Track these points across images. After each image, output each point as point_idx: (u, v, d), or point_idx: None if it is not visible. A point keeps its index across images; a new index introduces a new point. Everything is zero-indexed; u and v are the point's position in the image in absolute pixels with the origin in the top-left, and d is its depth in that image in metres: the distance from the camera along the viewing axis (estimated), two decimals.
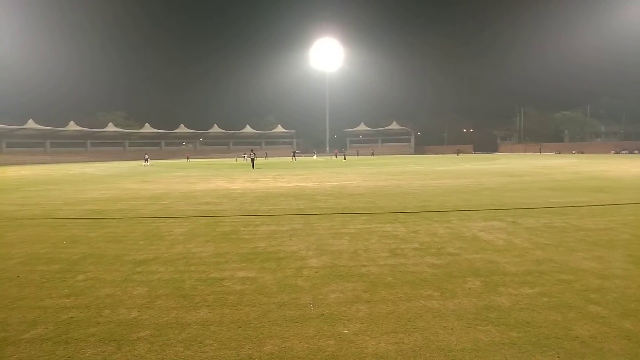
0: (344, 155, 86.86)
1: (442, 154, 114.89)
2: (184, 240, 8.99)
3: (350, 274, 6.38)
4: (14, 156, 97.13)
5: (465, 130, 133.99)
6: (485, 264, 6.80)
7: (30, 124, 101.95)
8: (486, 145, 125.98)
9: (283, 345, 4.20)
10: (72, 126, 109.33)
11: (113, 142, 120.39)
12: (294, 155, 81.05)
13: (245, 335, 4.41)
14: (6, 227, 11.36)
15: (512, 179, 23.08)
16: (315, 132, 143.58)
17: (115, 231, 10.29)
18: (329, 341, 4.27)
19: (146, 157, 64.64)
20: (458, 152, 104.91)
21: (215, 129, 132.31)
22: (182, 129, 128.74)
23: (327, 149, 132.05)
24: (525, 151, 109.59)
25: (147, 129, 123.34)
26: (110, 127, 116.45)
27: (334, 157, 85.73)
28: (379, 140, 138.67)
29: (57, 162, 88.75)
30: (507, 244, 8.11)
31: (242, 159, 71.01)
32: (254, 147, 65.31)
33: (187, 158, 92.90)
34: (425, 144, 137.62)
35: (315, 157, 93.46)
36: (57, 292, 5.95)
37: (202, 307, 5.20)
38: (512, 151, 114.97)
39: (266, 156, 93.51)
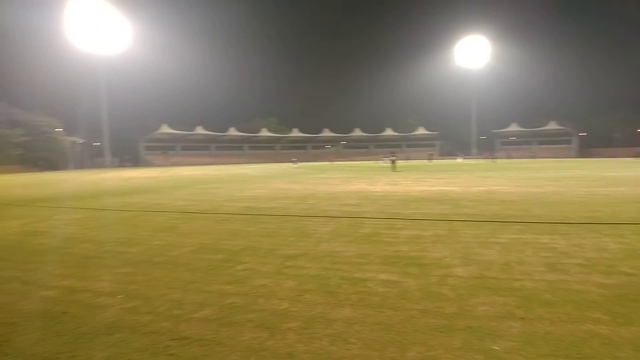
0: (494, 158, 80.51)
1: (614, 157, 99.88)
2: (328, 239, 9.37)
3: (501, 287, 5.94)
4: (186, 158, 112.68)
5: None
6: None
7: (199, 130, 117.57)
8: None
9: (427, 354, 4.10)
10: (232, 132, 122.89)
11: (266, 146, 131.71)
12: (430, 158, 78.34)
13: (389, 338, 4.42)
14: (180, 220, 13.19)
15: None
16: (459, 133, 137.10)
17: (269, 227, 11.20)
18: (477, 356, 4.04)
19: (294, 159, 69.12)
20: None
21: (357, 132, 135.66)
22: (326, 133, 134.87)
23: (473, 151, 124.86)
24: None
25: (296, 133, 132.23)
26: (264, 132, 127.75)
27: (488, 160, 78.69)
28: (533, 142, 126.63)
29: (220, 164, 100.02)
30: None
31: (383, 162, 71.39)
32: (395, 149, 64.82)
33: (331, 161, 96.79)
34: (591, 146, 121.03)
35: (459, 160, 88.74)
36: (221, 279, 6.70)
37: (346, 305, 5.36)
38: None
39: (407, 159, 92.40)
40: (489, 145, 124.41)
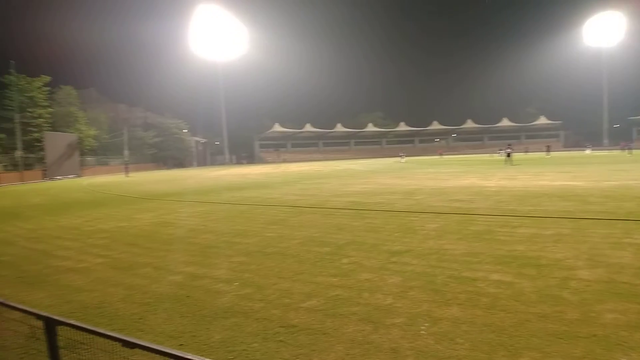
0: (630, 149, 70.08)
1: None
2: (435, 236, 9.10)
3: (635, 294, 5.26)
4: (295, 154, 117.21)
5: None
6: None
7: (308, 127, 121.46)
8: None
9: None
10: (339, 128, 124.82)
11: (372, 141, 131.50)
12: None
13: (500, 341, 4.16)
14: (290, 213, 13.77)
15: None
16: (587, 122, 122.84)
17: (374, 222, 11.20)
18: None
19: (402, 153, 68.08)
20: None
21: (469, 124, 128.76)
22: (435, 126, 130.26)
23: (605, 141, 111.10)
24: None
25: (402, 127, 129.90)
26: (370, 127, 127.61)
27: (624, 151, 67.51)
28: None
29: (327, 159, 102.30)
30: None
31: (498, 155, 67.01)
32: (512, 141, 60.09)
33: (440, 154, 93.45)
34: None
35: (588, 151, 79.54)
36: (327, 271, 6.88)
37: (453, 305, 5.16)
38: None
39: (526, 151, 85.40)
40: (624, 134, 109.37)
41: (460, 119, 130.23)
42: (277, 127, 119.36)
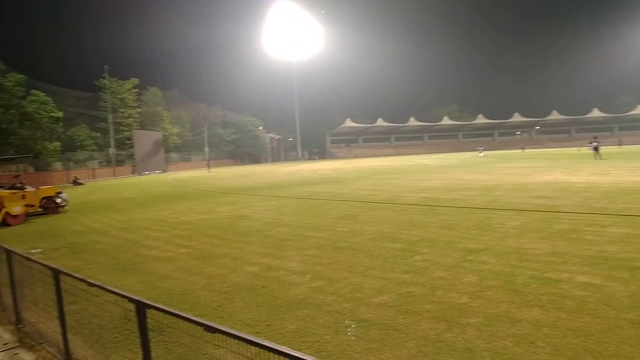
0: None
1: None
2: (516, 234, 8.64)
3: None
4: (367, 149, 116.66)
5: None
6: None
7: (380, 122, 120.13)
8: None
9: None
10: (412, 122, 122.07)
11: (447, 135, 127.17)
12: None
13: (586, 347, 3.88)
14: (361, 208, 13.76)
15: None
16: None
17: (448, 219, 10.87)
18: None
19: (480, 147, 65.25)
20: None
21: (554, 115, 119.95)
22: (516, 118, 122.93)
23: None
24: None
25: (480, 120, 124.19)
26: (445, 121, 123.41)
27: None
28: None
29: (399, 154, 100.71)
30: None
31: (587, 148, 61.94)
32: (604, 134, 55.10)
33: (522, 148, 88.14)
34: None
35: None
36: (399, 267, 6.80)
37: (534, 307, 4.88)
38: None
39: (620, 144, 78.16)
40: None
41: (544, 110, 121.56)
42: (349, 123, 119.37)
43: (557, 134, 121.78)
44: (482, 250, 7.51)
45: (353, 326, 4.67)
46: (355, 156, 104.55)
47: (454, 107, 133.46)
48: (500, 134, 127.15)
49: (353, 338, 4.38)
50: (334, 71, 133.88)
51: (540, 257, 6.91)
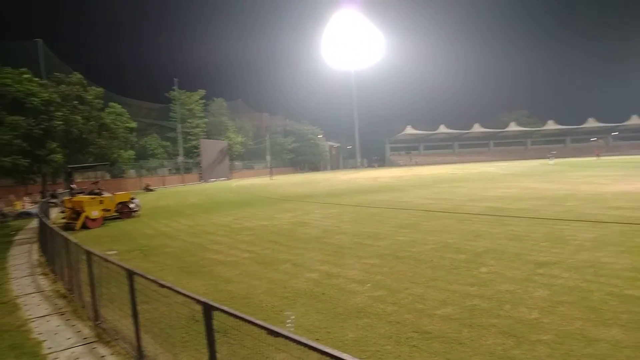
0: None
1: None
2: (591, 247, 8.07)
3: None
4: (428, 157, 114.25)
5: None
6: None
7: (442, 129, 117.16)
8: None
9: None
10: (477, 128, 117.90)
11: (514, 142, 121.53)
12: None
13: None
14: (422, 217, 13.45)
15: None
16: None
17: (516, 230, 10.37)
18: None
19: (550, 155, 61.81)
20: None
21: (634, 120, 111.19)
22: (591, 123, 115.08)
23: None
24: None
25: (550, 125, 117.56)
26: (512, 127, 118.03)
27: None
28: None
29: (463, 162, 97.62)
30: None
31: None
32: None
33: (597, 155, 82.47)
34: None
35: None
36: (463, 279, 6.56)
37: (613, 325, 4.52)
38: None
39: None
40: None
41: (623, 114, 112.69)
42: (409, 130, 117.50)
43: (638, 140, 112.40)
44: (554, 264, 7.09)
45: (415, 338, 4.56)
46: (416, 164, 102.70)
47: (522, 112, 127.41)
48: (573, 141, 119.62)
49: (415, 350, 4.28)
50: (395, 78, 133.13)
51: (620, 272, 6.40)
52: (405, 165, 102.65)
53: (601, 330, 4.42)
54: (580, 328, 4.51)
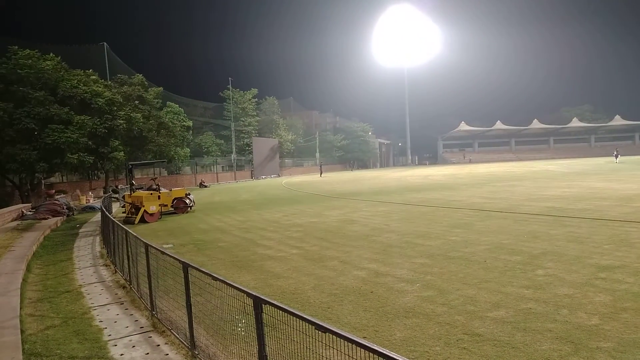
0: None
1: None
2: None
3: None
4: (483, 154, 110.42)
5: None
6: None
7: (498, 125, 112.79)
8: None
9: None
10: (536, 124, 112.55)
11: (577, 138, 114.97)
12: None
13: None
14: (476, 217, 13.06)
15: None
16: None
17: (577, 231, 9.84)
18: None
19: (615, 152, 58.02)
20: None
21: None
22: None
23: None
24: None
25: (617, 121, 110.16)
26: (575, 123, 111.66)
27: None
28: None
29: (520, 160, 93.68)
30: None
31: None
32: None
33: None
34: None
35: None
36: (518, 281, 6.32)
37: None
38: None
39: None
40: None
41: None
42: (463, 126, 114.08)
43: None
44: (618, 268, 6.67)
45: (465, 340, 4.45)
46: (470, 161, 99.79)
47: (586, 107, 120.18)
48: None
49: (465, 352, 4.18)
50: (449, 74, 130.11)
51: None
52: (458, 162, 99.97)
53: None
54: None
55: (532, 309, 5.18)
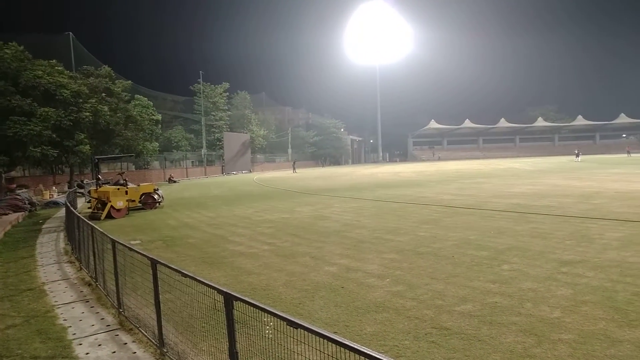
0: None
1: None
2: (618, 247, 7.87)
3: None
4: (452, 152, 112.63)
5: None
6: None
7: (467, 123, 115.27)
8: None
9: None
10: (503, 123, 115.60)
11: (541, 137, 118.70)
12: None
13: None
14: (444, 213, 13.32)
15: None
16: None
17: (541, 227, 10.18)
18: None
19: (577, 151, 60.22)
20: None
21: None
22: (622, 119, 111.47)
23: None
24: None
25: (579, 121, 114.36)
26: (539, 122, 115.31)
27: None
28: None
29: (487, 157, 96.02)
30: None
31: None
32: None
33: (628, 152, 79.89)
34: None
35: None
36: (484, 276, 6.49)
37: (639, 327, 4.41)
38: None
39: None
40: None
41: None
42: (433, 124, 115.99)
43: None
44: (578, 263, 6.94)
45: (434, 334, 4.54)
46: (439, 159, 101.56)
47: (550, 107, 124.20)
48: (603, 137, 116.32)
49: (433, 346, 4.26)
50: (421, 73, 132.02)
51: None
52: (428, 160, 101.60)
53: (625, 331, 4.32)
54: (604, 328, 4.42)
55: (497, 303, 5.33)
